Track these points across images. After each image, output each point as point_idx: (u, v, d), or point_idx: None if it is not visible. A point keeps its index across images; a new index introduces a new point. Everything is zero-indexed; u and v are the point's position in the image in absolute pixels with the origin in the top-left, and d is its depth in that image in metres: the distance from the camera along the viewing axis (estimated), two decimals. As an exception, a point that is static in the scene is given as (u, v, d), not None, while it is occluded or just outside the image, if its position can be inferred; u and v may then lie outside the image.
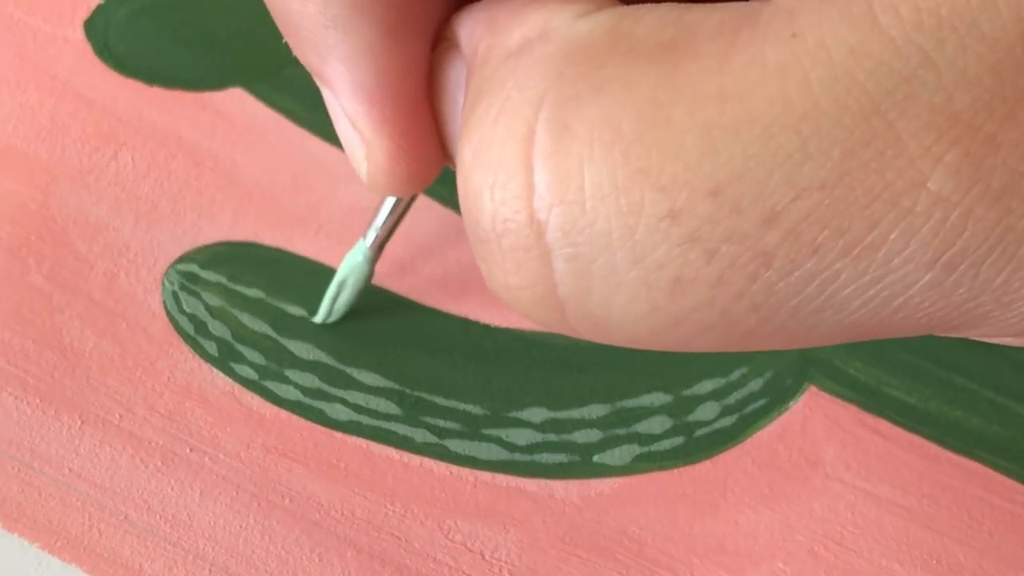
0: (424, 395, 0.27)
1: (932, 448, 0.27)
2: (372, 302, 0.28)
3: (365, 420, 0.27)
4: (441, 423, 0.27)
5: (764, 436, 0.27)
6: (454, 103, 0.18)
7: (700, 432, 0.27)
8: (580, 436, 0.27)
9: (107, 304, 0.28)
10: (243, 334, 0.28)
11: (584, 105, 0.14)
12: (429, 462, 0.26)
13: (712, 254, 0.14)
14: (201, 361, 0.27)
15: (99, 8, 0.33)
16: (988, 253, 0.13)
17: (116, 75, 0.31)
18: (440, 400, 0.27)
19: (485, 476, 0.26)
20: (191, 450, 0.26)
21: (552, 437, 0.27)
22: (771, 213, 0.14)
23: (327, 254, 0.29)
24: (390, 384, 0.27)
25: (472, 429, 0.27)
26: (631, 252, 0.14)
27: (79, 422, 0.26)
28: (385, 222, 0.26)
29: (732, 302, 0.14)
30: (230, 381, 0.27)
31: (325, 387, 0.27)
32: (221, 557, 0.25)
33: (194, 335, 0.27)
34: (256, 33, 0.32)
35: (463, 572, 0.25)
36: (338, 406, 0.27)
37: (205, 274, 0.28)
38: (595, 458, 0.27)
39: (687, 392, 0.28)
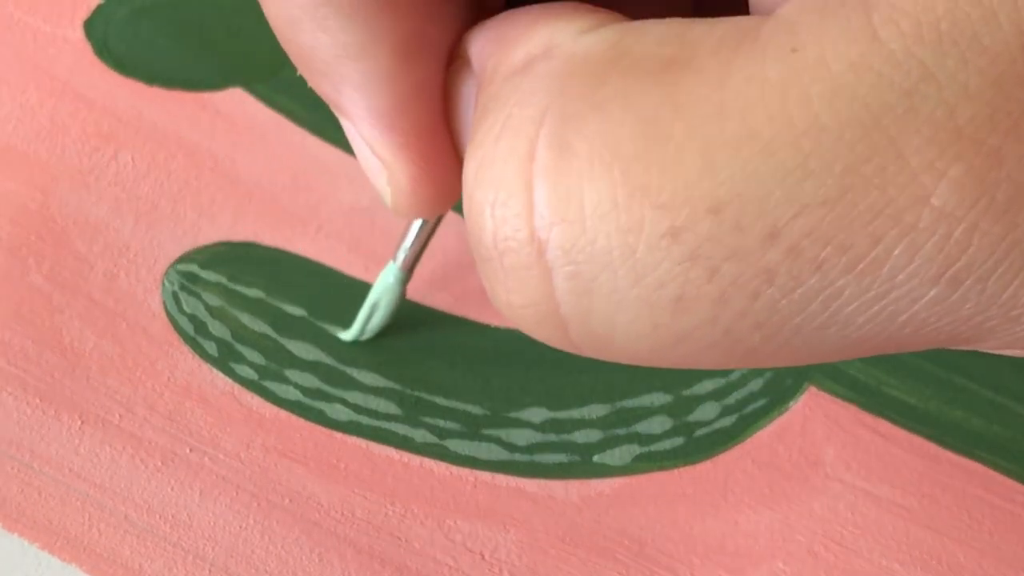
0: (424, 395, 0.27)
1: (932, 448, 0.27)
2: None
3: (365, 420, 0.27)
4: (441, 423, 0.27)
5: (764, 436, 0.27)
6: (469, 122, 0.18)
7: (700, 432, 0.27)
8: (580, 436, 0.27)
9: (107, 304, 0.28)
10: (243, 334, 0.28)
11: (585, 122, 0.14)
12: (429, 462, 0.26)
13: (714, 272, 0.14)
14: (201, 361, 0.27)
15: (99, 8, 0.33)
16: (995, 267, 0.13)
17: (116, 75, 0.31)
18: (440, 400, 0.27)
19: (485, 476, 0.26)
20: (191, 450, 0.26)
21: (552, 437, 0.27)
22: (773, 230, 0.13)
23: (327, 254, 0.29)
24: (390, 384, 0.27)
25: (472, 429, 0.27)
26: (632, 270, 0.14)
27: (79, 422, 0.26)
28: (414, 242, 0.26)
29: (735, 320, 0.14)
30: (230, 381, 0.27)
31: (325, 387, 0.27)
32: (221, 557, 0.25)
33: (194, 335, 0.27)
34: (256, 33, 0.32)
35: (463, 572, 0.25)
36: (338, 406, 0.27)
37: (205, 274, 0.28)
38: (595, 458, 0.27)
39: (687, 392, 0.28)
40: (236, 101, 0.31)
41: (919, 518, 0.26)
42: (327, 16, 0.17)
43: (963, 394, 0.28)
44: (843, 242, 0.13)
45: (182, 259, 0.29)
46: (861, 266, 0.13)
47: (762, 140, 0.13)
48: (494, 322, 0.28)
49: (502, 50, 0.16)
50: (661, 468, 0.27)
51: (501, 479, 0.26)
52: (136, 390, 0.27)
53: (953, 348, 0.15)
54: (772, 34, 0.14)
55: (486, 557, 0.25)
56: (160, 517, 0.25)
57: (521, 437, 0.27)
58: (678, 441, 0.27)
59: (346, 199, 0.30)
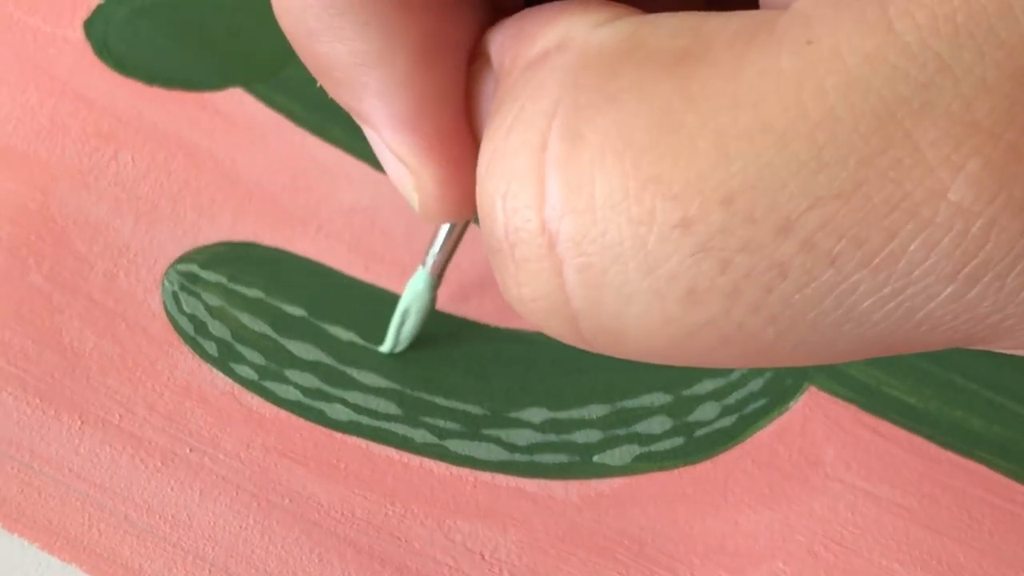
0: (424, 395, 0.27)
1: (932, 448, 0.27)
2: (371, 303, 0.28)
3: (365, 420, 0.27)
4: (441, 423, 0.27)
5: (764, 436, 0.27)
6: None
7: (700, 432, 0.27)
8: (580, 436, 0.27)
9: (107, 304, 0.28)
10: (243, 334, 0.28)
11: (597, 113, 0.14)
12: (429, 462, 0.26)
13: (726, 264, 0.14)
14: (201, 361, 0.27)
15: (99, 8, 0.33)
16: (1013, 265, 0.13)
17: (116, 75, 0.31)
18: (440, 400, 0.27)
19: (485, 476, 0.26)
20: (191, 450, 0.26)
21: (552, 437, 0.27)
22: (786, 222, 0.13)
23: (327, 254, 0.29)
24: (390, 384, 0.27)
25: (472, 429, 0.27)
26: (643, 262, 0.14)
27: (79, 422, 0.26)
28: (442, 248, 0.26)
29: (748, 314, 0.14)
30: (230, 381, 0.27)
31: (325, 387, 0.27)
32: (221, 557, 0.25)
33: (194, 335, 0.27)
34: (256, 33, 0.32)
35: (463, 572, 0.25)
36: (338, 406, 0.27)
37: (205, 274, 0.28)
38: (595, 458, 0.27)
39: (687, 392, 0.28)
40: (236, 101, 0.31)
41: (919, 518, 0.26)
42: (343, 26, 0.17)
43: (963, 394, 0.28)
44: (858, 236, 0.13)
45: (182, 259, 0.29)
46: (876, 261, 0.13)
47: (776, 132, 0.13)
48: (494, 322, 0.28)
49: (519, 45, 0.16)
50: (661, 468, 0.27)
51: (501, 479, 0.26)
52: (136, 390, 0.27)
53: (969, 348, 0.15)
54: (787, 27, 0.14)
55: (486, 557, 0.25)
56: (160, 517, 0.25)
57: (521, 437, 0.27)
58: (678, 441, 0.27)
59: (346, 199, 0.30)
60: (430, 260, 0.26)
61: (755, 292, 0.14)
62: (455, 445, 0.27)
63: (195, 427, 0.26)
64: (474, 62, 0.18)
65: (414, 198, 0.19)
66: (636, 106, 0.14)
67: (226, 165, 0.30)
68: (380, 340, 0.28)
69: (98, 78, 0.31)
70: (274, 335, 0.28)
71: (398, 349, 0.27)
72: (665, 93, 0.14)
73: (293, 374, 0.27)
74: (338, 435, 0.26)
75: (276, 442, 0.26)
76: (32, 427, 0.26)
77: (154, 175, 0.30)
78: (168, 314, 0.28)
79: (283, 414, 0.27)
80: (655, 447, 0.27)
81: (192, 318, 0.28)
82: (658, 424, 0.27)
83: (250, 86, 0.32)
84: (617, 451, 0.27)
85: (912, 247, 0.13)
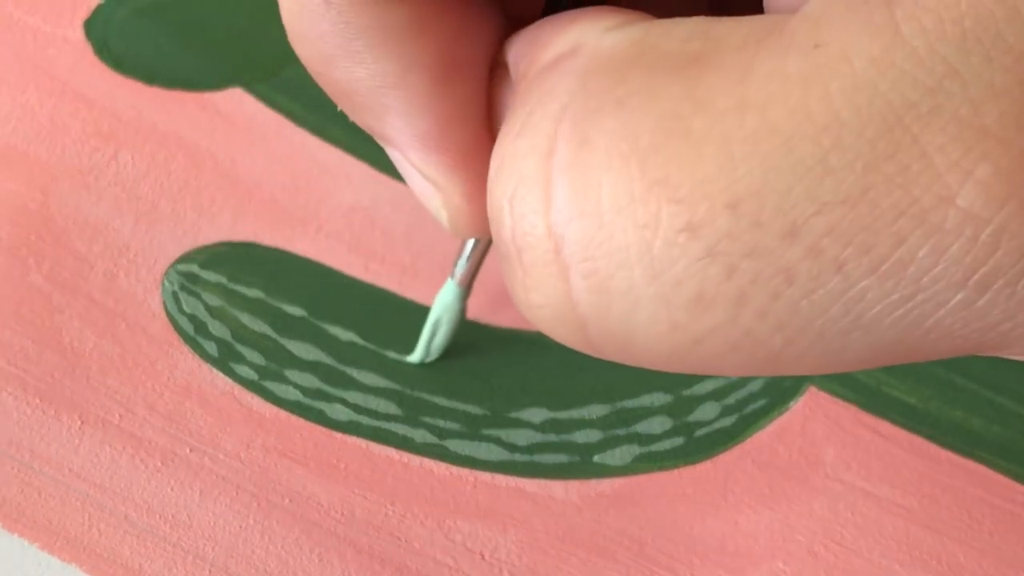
0: (424, 395, 0.27)
1: (932, 448, 0.27)
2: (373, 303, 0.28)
3: (365, 420, 0.27)
4: (441, 423, 0.27)
5: (764, 436, 0.27)
6: None
7: (700, 432, 0.27)
8: (580, 436, 0.27)
9: (107, 304, 0.28)
10: (243, 334, 0.28)
11: (605, 117, 0.14)
12: (429, 462, 0.26)
13: (732, 269, 0.14)
14: (201, 361, 0.27)
15: (99, 8, 0.33)
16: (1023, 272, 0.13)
17: (116, 75, 0.31)
18: (440, 400, 0.27)
19: (485, 476, 0.26)
20: (191, 450, 0.26)
21: (552, 437, 0.27)
22: (792, 227, 0.13)
23: (327, 254, 0.29)
24: (390, 384, 0.27)
25: (472, 429, 0.27)
26: (649, 267, 0.14)
27: (79, 422, 0.26)
28: (471, 258, 0.26)
29: (755, 321, 0.14)
30: (230, 381, 0.27)
31: (325, 387, 0.27)
32: (221, 557, 0.25)
33: (194, 335, 0.27)
34: (256, 33, 0.32)
35: (463, 572, 0.25)
36: (338, 406, 0.27)
37: (205, 274, 0.28)
38: (595, 458, 0.27)
39: (687, 392, 0.28)
40: (236, 101, 0.31)
41: (919, 518, 0.26)
42: (360, 50, 0.17)
43: (963, 394, 0.28)
44: (865, 242, 0.13)
45: (182, 259, 0.29)
46: (884, 267, 0.13)
47: (782, 135, 0.13)
48: (493, 322, 0.28)
49: (533, 52, 0.16)
50: (661, 468, 0.27)
51: (501, 479, 0.26)
52: (136, 390, 0.27)
53: (980, 355, 0.14)
54: (795, 30, 0.13)
55: (486, 557, 0.25)
56: (160, 517, 0.25)
57: (521, 437, 0.27)
58: (678, 441, 0.27)
59: (346, 199, 0.30)
60: (459, 271, 0.26)
61: (762, 298, 0.14)
62: (455, 445, 0.27)
63: (195, 427, 0.26)
64: (494, 72, 0.18)
65: (443, 215, 0.18)
66: (643, 109, 0.14)
67: (226, 165, 0.30)
68: (380, 340, 0.28)
69: (98, 78, 0.31)
70: (274, 335, 0.28)
71: (428, 360, 0.27)
72: (673, 96, 0.14)
73: (293, 374, 0.27)
74: (338, 435, 0.26)
75: (276, 442, 0.26)
76: (32, 427, 0.26)
77: (154, 175, 0.30)
78: (168, 314, 0.28)
79: (283, 414, 0.27)
80: (655, 447, 0.27)
81: (192, 318, 0.28)
82: (658, 424, 0.27)
83: (250, 86, 0.32)
84: (617, 451, 0.27)
85: (920, 253, 0.13)
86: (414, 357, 0.27)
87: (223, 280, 0.28)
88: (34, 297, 0.28)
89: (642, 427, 0.27)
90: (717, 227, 0.13)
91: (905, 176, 0.13)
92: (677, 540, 0.26)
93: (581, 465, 0.27)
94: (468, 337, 0.28)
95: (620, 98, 0.14)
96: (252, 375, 0.27)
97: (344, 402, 0.27)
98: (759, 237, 0.13)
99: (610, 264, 0.14)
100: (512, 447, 0.27)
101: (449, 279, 0.26)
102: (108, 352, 0.27)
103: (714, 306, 0.14)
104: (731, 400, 0.28)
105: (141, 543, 0.25)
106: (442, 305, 0.27)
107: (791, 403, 0.28)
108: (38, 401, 0.26)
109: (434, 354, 0.27)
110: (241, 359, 0.27)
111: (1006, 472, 0.27)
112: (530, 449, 0.27)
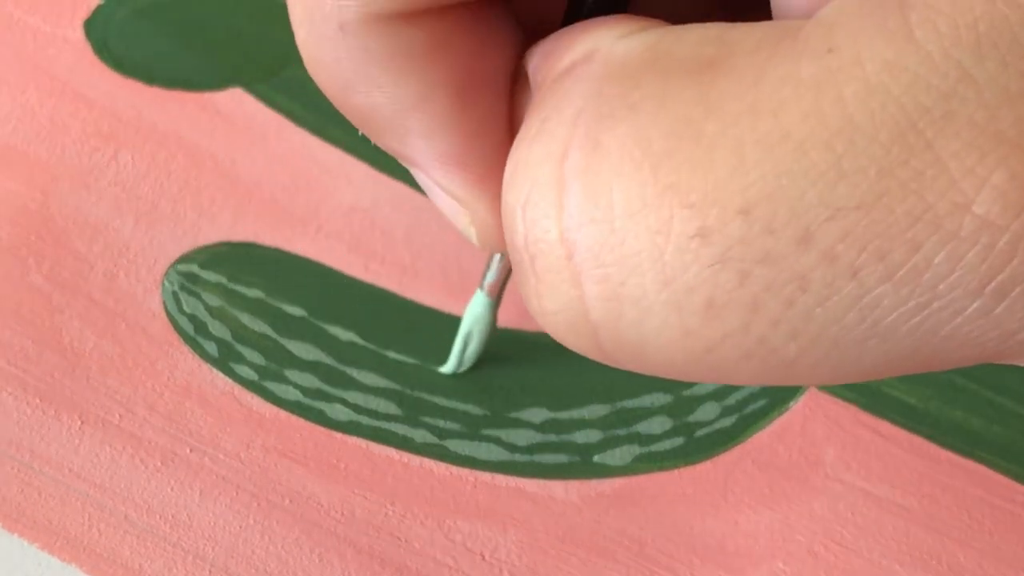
0: (424, 395, 0.27)
1: (932, 448, 0.27)
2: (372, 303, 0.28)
3: (365, 420, 0.27)
4: (441, 423, 0.27)
5: (764, 436, 0.27)
6: None
7: (700, 432, 0.27)
8: (580, 436, 0.27)
9: (107, 304, 0.28)
10: (243, 334, 0.28)
11: (618, 122, 0.14)
12: (429, 462, 0.26)
13: (745, 276, 0.13)
14: (201, 361, 0.27)
15: (99, 8, 0.33)
16: None
17: (116, 75, 0.31)
18: (440, 400, 0.27)
19: (485, 476, 0.26)
20: (191, 450, 0.26)
21: (552, 437, 0.27)
22: (806, 233, 0.13)
23: (327, 254, 0.29)
24: (390, 384, 0.27)
25: (472, 429, 0.27)
26: (661, 273, 0.14)
27: (79, 422, 0.26)
28: (499, 267, 0.26)
29: (769, 328, 0.14)
30: (230, 381, 0.27)
31: (325, 387, 0.27)
32: (221, 557, 0.25)
33: (194, 335, 0.27)
34: (256, 33, 0.32)
35: (463, 572, 0.25)
36: (338, 406, 0.27)
37: (205, 274, 0.28)
38: (595, 458, 0.27)
39: (687, 392, 0.28)
40: (236, 101, 0.31)
41: (919, 518, 0.26)
42: (378, 75, 0.17)
43: (963, 394, 0.28)
44: (880, 248, 0.13)
45: (182, 259, 0.29)
46: (900, 274, 0.13)
47: (794, 140, 0.13)
48: (494, 322, 0.28)
49: (550, 61, 0.16)
50: (661, 468, 0.27)
51: (501, 479, 0.26)
52: (136, 390, 0.27)
53: (999, 363, 0.14)
54: (810, 34, 0.13)
55: (486, 557, 0.25)
56: (160, 517, 0.25)
57: (521, 437, 0.27)
58: (678, 441, 0.27)
59: (346, 199, 0.30)
60: (487, 282, 0.26)
61: (775, 305, 0.13)
62: (455, 445, 0.27)
63: (195, 427, 0.26)
64: (515, 83, 0.18)
65: (471, 232, 0.18)
66: (656, 114, 0.14)
67: (226, 165, 0.30)
68: (380, 340, 0.28)
69: (98, 78, 0.31)
70: (274, 335, 0.28)
71: (461, 370, 0.27)
72: (686, 101, 0.14)
73: (293, 374, 0.27)
74: (338, 435, 0.26)
75: (276, 442, 0.26)
76: (32, 427, 0.26)
77: (154, 175, 0.30)
78: (168, 314, 0.28)
79: (283, 414, 0.27)
80: (655, 447, 0.27)
81: (192, 318, 0.28)
82: (658, 424, 0.27)
83: (250, 86, 0.32)
84: (617, 451, 0.27)
85: (936, 260, 0.13)
86: (447, 368, 0.27)
87: (223, 280, 0.28)
88: (34, 297, 0.28)
89: (642, 427, 0.27)
90: (729, 232, 0.13)
91: (919, 182, 0.12)
92: (677, 540, 0.26)
93: (581, 465, 0.27)
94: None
95: (633, 103, 0.14)
96: (252, 375, 0.27)
97: (344, 402, 0.27)
98: (772, 243, 0.13)
99: (622, 270, 0.14)
100: (512, 447, 0.27)
101: (478, 290, 0.26)
102: (108, 352, 0.27)
103: (727, 313, 0.14)
104: (731, 400, 0.28)
105: (141, 543, 0.25)
106: (473, 316, 0.27)
107: (791, 403, 0.28)
108: (38, 401, 0.26)
109: (467, 364, 0.27)
110: (241, 359, 0.27)
111: (1006, 472, 0.27)
112: (530, 449, 0.27)
